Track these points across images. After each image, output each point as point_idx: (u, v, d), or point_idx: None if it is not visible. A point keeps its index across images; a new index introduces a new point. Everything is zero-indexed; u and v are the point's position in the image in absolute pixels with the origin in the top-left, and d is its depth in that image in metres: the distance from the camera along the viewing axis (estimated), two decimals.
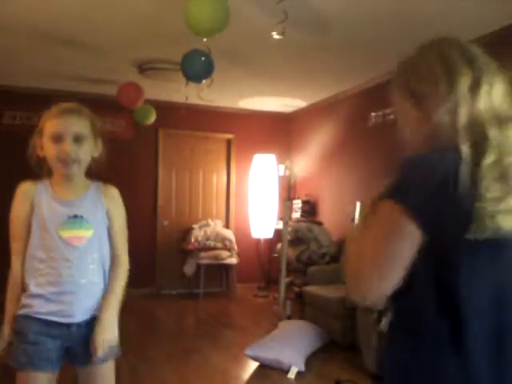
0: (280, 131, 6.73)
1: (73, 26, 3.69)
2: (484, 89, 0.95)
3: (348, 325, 3.72)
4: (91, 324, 1.57)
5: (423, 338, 0.94)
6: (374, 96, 4.94)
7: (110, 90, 5.07)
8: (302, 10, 3.25)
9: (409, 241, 0.89)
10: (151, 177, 6.23)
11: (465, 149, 0.90)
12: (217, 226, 6.31)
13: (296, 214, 6.00)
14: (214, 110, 6.33)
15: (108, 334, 1.56)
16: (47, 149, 1.59)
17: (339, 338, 3.92)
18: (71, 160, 1.58)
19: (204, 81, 3.64)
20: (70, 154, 1.56)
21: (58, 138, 1.57)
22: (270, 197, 6.27)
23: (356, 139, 5.08)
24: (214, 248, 6.10)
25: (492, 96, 0.96)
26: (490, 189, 0.89)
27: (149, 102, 5.10)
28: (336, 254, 4.97)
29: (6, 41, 4.03)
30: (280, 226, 6.21)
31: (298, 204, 6.04)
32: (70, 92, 5.38)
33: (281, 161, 6.24)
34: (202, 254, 6.02)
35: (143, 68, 4.66)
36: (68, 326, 1.55)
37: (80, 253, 1.58)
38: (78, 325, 1.57)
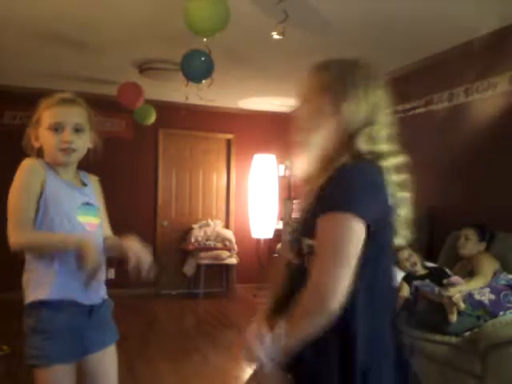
0: (280, 131, 6.71)
1: (73, 25, 3.69)
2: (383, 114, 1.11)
3: None
4: (104, 310, 1.64)
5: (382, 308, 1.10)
6: None
7: (110, 90, 5.06)
8: (301, 10, 3.24)
9: (359, 243, 1.00)
10: (151, 177, 6.23)
11: (385, 162, 1.06)
12: (217, 226, 6.31)
13: (296, 214, 5.99)
14: (214, 110, 6.33)
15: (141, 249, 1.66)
16: (45, 138, 1.58)
17: None
18: (71, 149, 1.58)
19: (204, 81, 3.64)
20: (70, 144, 1.57)
21: (58, 128, 1.56)
22: (270, 197, 6.27)
23: None
24: (214, 248, 6.10)
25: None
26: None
27: (149, 101, 5.09)
28: None
29: (6, 40, 4.03)
30: (280, 225, 6.22)
31: (298, 204, 6.04)
32: (71, 92, 5.37)
33: (281, 161, 6.24)
34: (202, 254, 6.02)
35: (143, 68, 4.66)
36: (88, 310, 1.58)
37: (94, 239, 1.61)
38: (94, 308, 1.60)
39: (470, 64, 3.83)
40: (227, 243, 6.17)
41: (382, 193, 1.03)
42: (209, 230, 6.18)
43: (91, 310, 1.59)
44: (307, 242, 1.07)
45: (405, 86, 4.53)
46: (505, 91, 3.51)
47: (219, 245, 6.14)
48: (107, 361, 1.64)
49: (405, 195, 1.10)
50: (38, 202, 1.51)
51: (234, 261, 6.16)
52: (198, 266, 6.08)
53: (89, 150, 1.69)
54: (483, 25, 3.49)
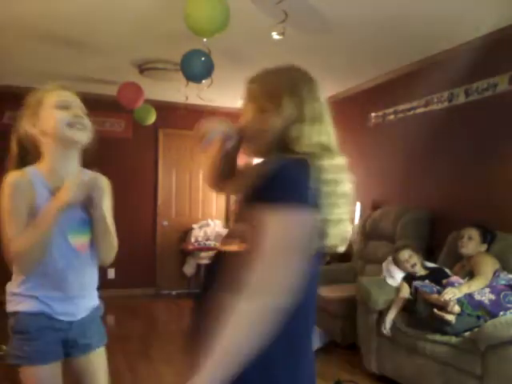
0: None
1: (73, 26, 3.69)
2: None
3: (348, 325, 3.72)
4: (91, 317, 1.61)
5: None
6: (374, 96, 4.94)
7: (110, 90, 5.06)
8: (301, 10, 3.24)
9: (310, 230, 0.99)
10: (151, 177, 6.23)
11: (321, 161, 1.06)
12: (217, 226, 6.31)
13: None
14: (214, 110, 6.33)
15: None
16: (51, 116, 1.48)
17: (339, 338, 3.92)
18: (82, 125, 1.49)
19: (204, 81, 3.64)
20: (82, 119, 1.50)
21: (65, 106, 1.49)
22: None
23: (356, 139, 5.07)
24: (214, 248, 6.09)
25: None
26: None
27: (149, 101, 5.09)
28: (336, 254, 4.96)
29: (6, 41, 4.03)
30: None
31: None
32: None
33: None
34: (202, 254, 6.02)
35: (143, 68, 4.65)
36: (70, 322, 1.55)
37: (86, 259, 1.56)
38: (79, 321, 1.58)
39: (470, 64, 3.83)
40: None
41: (305, 191, 0.99)
42: (209, 230, 6.18)
43: (72, 322, 1.56)
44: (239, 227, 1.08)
45: (405, 85, 4.53)
46: (505, 91, 3.51)
47: (219, 245, 6.14)
48: (94, 363, 1.62)
49: (341, 193, 1.09)
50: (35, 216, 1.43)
51: None
52: (198, 266, 6.08)
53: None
54: (483, 25, 3.49)
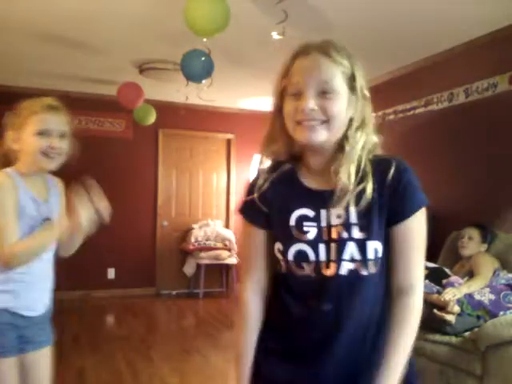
0: None
1: (73, 26, 3.69)
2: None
3: None
4: (46, 314, 1.71)
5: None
6: (374, 96, 4.92)
7: (110, 90, 5.06)
8: (301, 10, 3.24)
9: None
10: (151, 177, 6.23)
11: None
12: (217, 226, 6.31)
13: None
14: (214, 110, 6.33)
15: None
16: (29, 143, 1.59)
17: None
18: (57, 154, 1.62)
19: (204, 81, 3.64)
20: (57, 149, 1.61)
21: (45, 134, 1.60)
22: None
23: None
24: (214, 248, 6.10)
25: None
26: None
27: (149, 101, 5.10)
28: None
29: (7, 41, 4.03)
30: None
31: None
32: (71, 92, 5.38)
33: None
34: (202, 254, 6.02)
35: (143, 68, 4.66)
36: (30, 318, 1.64)
37: (49, 254, 1.67)
38: (38, 317, 1.67)
39: (470, 64, 3.83)
40: (227, 243, 6.17)
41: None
42: (209, 230, 6.18)
43: (32, 317, 1.65)
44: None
45: (405, 85, 4.53)
46: (505, 91, 3.51)
47: (219, 245, 6.14)
48: (41, 362, 1.71)
49: None
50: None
51: (233, 261, 6.16)
52: (198, 266, 6.08)
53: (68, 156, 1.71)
54: (483, 25, 3.49)
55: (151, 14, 3.41)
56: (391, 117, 4.68)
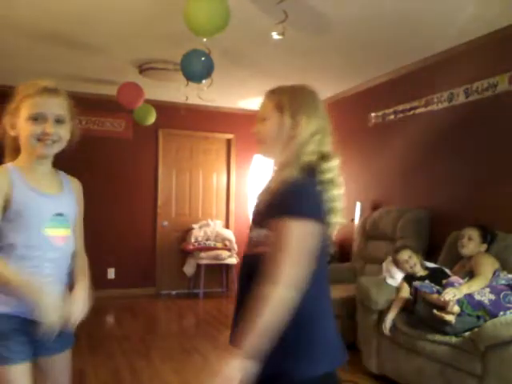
0: None
1: (73, 25, 3.69)
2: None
3: (348, 325, 3.71)
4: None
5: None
6: (374, 96, 4.94)
7: (110, 90, 5.07)
8: (301, 10, 3.24)
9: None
10: (151, 177, 6.23)
11: (328, 163, 1.36)
12: (217, 226, 6.31)
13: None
14: (214, 110, 6.33)
15: (81, 308, 1.54)
16: (23, 129, 1.49)
17: None
18: (52, 140, 1.51)
19: (204, 81, 3.64)
20: (52, 135, 1.50)
21: (38, 118, 1.49)
22: None
23: (356, 139, 5.08)
24: (214, 248, 6.10)
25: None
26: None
27: (149, 101, 5.10)
28: (336, 254, 4.97)
29: (6, 40, 4.03)
30: None
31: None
32: (70, 92, 5.36)
33: None
34: (202, 254, 6.02)
35: (143, 68, 4.66)
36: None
37: (61, 253, 1.56)
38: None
39: (469, 64, 3.83)
40: (227, 243, 6.17)
41: (317, 200, 1.28)
42: (209, 230, 6.18)
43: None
44: (258, 231, 1.31)
45: (405, 85, 4.53)
46: (505, 91, 3.51)
47: (219, 245, 6.14)
48: (57, 366, 1.64)
49: (339, 191, 1.38)
50: (5, 214, 1.44)
51: (233, 261, 6.16)
52: (198, 266, 6.08)
53: (69, 142, 1.60)
54: (483, 25, 3.49)
55: (151, 13, 3.41)
56: (391, 117, 4.68)
